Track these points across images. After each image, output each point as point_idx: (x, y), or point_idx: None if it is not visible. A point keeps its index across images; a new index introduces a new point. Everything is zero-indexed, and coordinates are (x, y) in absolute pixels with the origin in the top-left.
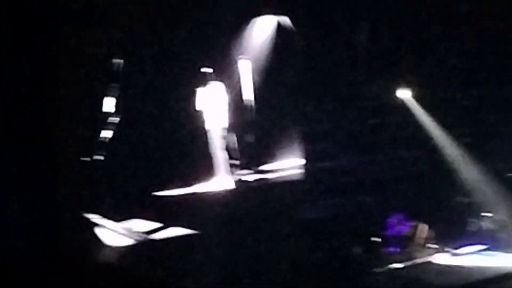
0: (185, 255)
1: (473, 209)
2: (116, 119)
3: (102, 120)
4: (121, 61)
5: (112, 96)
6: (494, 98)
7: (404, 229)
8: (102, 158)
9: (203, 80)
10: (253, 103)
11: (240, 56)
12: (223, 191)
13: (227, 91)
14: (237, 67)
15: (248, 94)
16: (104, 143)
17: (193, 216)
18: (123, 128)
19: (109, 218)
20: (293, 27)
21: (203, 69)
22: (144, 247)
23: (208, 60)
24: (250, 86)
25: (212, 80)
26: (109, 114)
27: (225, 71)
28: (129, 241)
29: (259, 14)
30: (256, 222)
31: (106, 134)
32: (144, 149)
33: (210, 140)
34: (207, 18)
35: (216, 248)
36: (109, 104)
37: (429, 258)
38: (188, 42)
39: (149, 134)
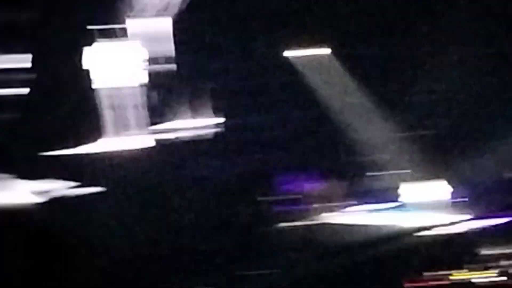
0: (92, 214)
1: (381, 167)
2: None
3: None
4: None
5: None
6: (409, 48)
7: (301, 187)
8: None
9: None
10: (159, 60)
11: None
12: (129, 150)
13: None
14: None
15: (153, 52)
16: None
17: (99, 175)
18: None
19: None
20: None
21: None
22: (51, 207)
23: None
24: (155, 44)
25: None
26: None
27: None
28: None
29: None
30: (160, 182)
31: None
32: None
33: (120, 99)
34: None
35: (122, 207)
36: None
37: (327, 216)
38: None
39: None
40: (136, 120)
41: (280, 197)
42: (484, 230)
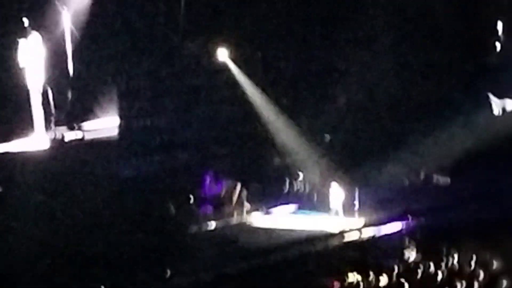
0: None
1: (287, 170)
2: None
3: None
4: None
5: None
6: (310, 61)
7: (219, 188)
8: None
9: (22, 30)
10: (72, 58)
11: (62, 8)
12: (38, 149)
13: (46, 44)
14: (58, 19)
15: (68, 49)
16: None
17: (7, 174)
18: None
19: None
20: None
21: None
22: None
23: (28, 10)
24: (70, 40)
25: (31, 31)
26: None
27: (46, 23)
28: None
29: None
30: (71, 182)
31: None
32: None
33: (26, 96)
34: None
35: (29, 209)
36: None
37: (243, 218)
38: None
39: None
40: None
41: (205, 197)
42: (387, 234)
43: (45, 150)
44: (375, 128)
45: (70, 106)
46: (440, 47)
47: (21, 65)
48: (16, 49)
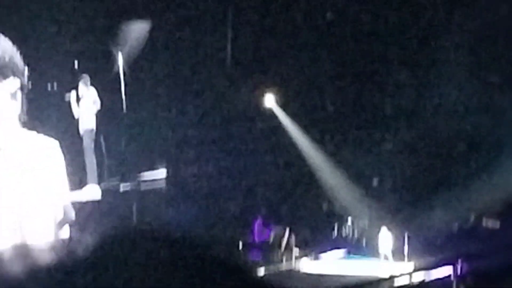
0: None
1: (336, 216)
2: None
3: None
4: None
5: None
6: (356, 105)
7: (268, 234)
8: None
9: (74, 80)
10: (123, 109)
11: (114, 58)
12: (90, 200)
13: (98, 94)
14: (110, 70)
15: (118, 99)
16: None
17: None
18: None
19: None
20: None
21: (75, 68)
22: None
23: (80, 53)
24: (121, 91)
25: (84, 77)
26: None
27: (97, 73)
28: None
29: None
30: (123, 230)
31: None
32: None
33: (79, 147)
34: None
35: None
36: None
37: (292, 264)
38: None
39: None
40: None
41: (254, 244)
42: (437, 279)
43: (98, 201)
44: (424, 171)
45: (123, 157)
46: (493, 87)
47: (74, 113)
48: (69, 96)
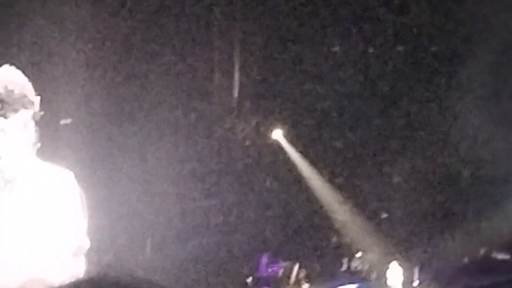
0: None
1: (344, 249)
2: None
3: None
4: None
5: None
6: (364, 138)
7: (276, 269)
8: None
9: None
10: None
11: None
12: None
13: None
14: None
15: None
16: None
17: None
18: None
19: None
20: None
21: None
22: None
23: None
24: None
25: None
26: None
27: None
28: None
29: None
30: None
31: None
32: None
33: None
34: None
35: None
36: None
37: None
38: None
39: None
40: None
41: (262, 279)
42: None
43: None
44: (434, 204)
45: None
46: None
47: None
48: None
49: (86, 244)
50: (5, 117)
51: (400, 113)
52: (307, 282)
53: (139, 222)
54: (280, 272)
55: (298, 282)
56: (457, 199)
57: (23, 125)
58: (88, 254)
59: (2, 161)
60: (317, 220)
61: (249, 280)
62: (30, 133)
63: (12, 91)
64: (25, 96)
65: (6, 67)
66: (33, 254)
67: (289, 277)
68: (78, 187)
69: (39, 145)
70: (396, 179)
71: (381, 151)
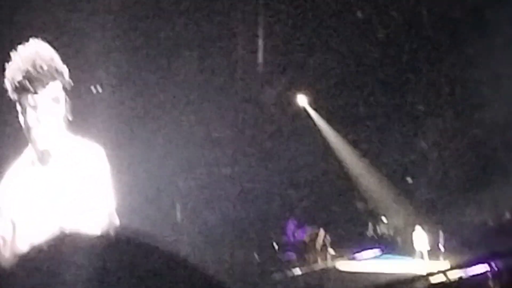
0: None
1: (370, 215)
2: None
3: None
4: None
5: None
6: (389, 106)
7: (302, 235)
8: None
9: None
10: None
11: None
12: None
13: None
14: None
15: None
16: None
17: None
18: None
19: None
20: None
21: None
22: None
23: None
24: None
25: None
26: None
27: None
28: None
29: None
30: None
31: None
32: None
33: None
34: None
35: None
36: None
37: (328, 264)
38: None
39: None
40: None
41: (288, 245)
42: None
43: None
44: (458, 168)
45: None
46: None
47: None
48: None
49: (116, 218)
50: (36, 92)
51: (426, 79)
52: (332, 247)
53: (169, 188)
54: (306, 237)
55: (324, 247)
56: (482, 164)
57: (53, 98)
58: (119, 220)
59: (35, 133)
60: (342, 186)
61: (276, 245)
62: (61, 106)
63: (40, 66)
64: (53, 68)
65: (33, 41)
66: (66, 220)
67: (315, 243)
68: (107, 161)
69: (71, 118)
70: (422, 144)
71: (406, 117)
